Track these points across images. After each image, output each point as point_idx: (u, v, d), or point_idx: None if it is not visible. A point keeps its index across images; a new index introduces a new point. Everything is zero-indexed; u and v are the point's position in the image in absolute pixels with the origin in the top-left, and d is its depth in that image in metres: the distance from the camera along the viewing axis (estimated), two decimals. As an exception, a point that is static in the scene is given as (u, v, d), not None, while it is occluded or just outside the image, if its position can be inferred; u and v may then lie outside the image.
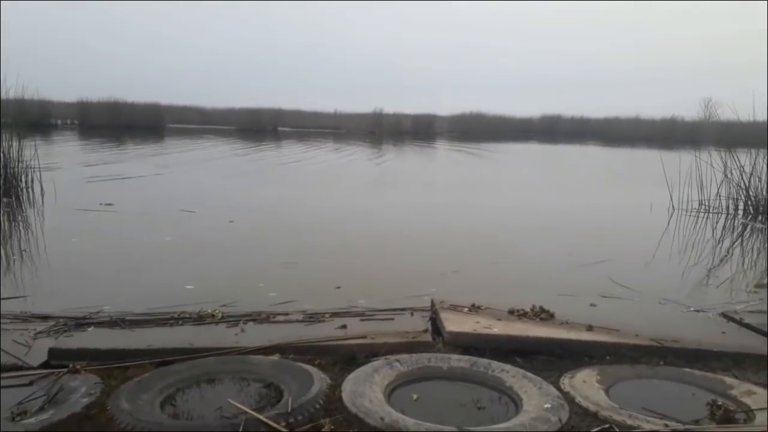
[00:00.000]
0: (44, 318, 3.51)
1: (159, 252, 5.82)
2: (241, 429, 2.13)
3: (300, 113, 52.84)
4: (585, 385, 2.63)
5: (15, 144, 8.88)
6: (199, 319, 3.49)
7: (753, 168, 9.41)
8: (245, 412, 2.24)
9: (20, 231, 6.85)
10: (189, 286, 4.46)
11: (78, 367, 2.66)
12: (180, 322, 3.45)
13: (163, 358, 2.82)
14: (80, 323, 3.39)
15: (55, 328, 3.30)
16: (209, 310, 3.59)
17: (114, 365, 2.74)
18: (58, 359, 2.82)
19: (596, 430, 2.22)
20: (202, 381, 2.63)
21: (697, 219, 9.04)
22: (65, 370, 2.64)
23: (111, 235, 6.61)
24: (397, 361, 2.81)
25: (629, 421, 2.25)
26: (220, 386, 2.60)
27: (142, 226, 7.16)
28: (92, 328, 3.32)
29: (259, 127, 45.91)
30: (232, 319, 3.47)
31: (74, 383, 2.51)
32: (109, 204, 8.31)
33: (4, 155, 8.76)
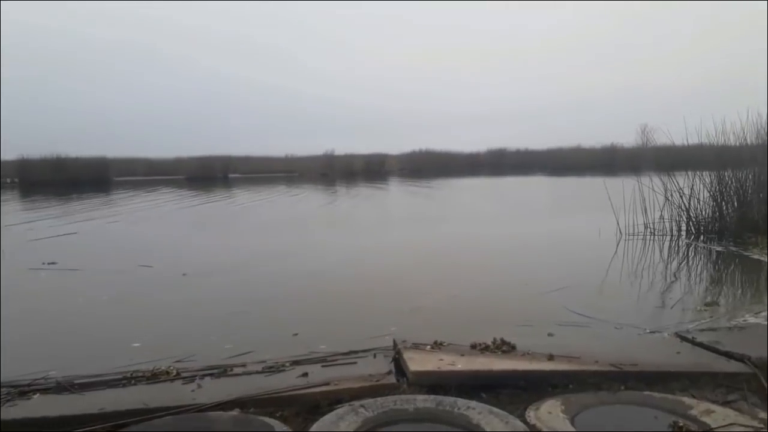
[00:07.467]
0: (-16, 389, 3.30)
1: (108, 311, 5.59)
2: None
3: (250, 159, 52.70)
4: (550, 416, 2.62)
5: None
6: (153, 377, 3.35)
7: (691, 190, 9.88)
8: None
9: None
10: (135, 344, 4.27)
11: (23, 439, 2.50)
12: (133, 381, 3.30)
13: (116, 421, 2.68)
14: (24, 391, 3.19)
15: (-3, 399, 3.10)
16: (163, 367, 3.45)
17: (63, 434, 2.59)
18: (0, 432, 2.64)
19: (565, 461, 2.20)
20: (158, 443, 2.50)
21: (644, 242, 9.34)
22: (9, 443, 2.48)
23: (53, 295, 6.33)
24: (362, 406, 2.75)
25: (596, 450, 2.25)
26: (178, 447, 2.49)
27: (87, 283, 6.89)
28: (38, 395, 3.13)
29: (209, 175, 45.53)
30: (188, 375, 3.34)
31: (19, 457, 2.35)
32: (52, 263, 7.99)
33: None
